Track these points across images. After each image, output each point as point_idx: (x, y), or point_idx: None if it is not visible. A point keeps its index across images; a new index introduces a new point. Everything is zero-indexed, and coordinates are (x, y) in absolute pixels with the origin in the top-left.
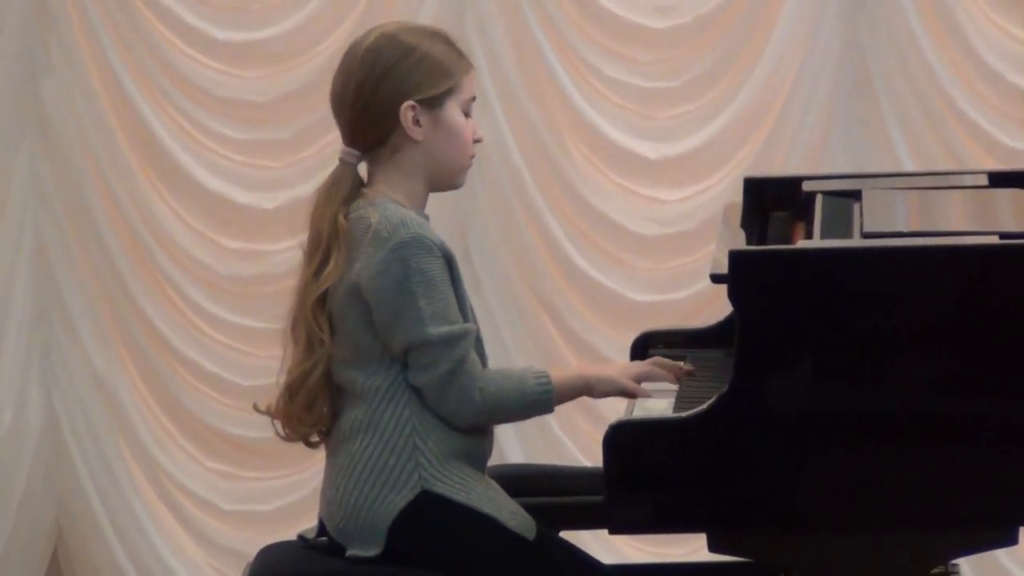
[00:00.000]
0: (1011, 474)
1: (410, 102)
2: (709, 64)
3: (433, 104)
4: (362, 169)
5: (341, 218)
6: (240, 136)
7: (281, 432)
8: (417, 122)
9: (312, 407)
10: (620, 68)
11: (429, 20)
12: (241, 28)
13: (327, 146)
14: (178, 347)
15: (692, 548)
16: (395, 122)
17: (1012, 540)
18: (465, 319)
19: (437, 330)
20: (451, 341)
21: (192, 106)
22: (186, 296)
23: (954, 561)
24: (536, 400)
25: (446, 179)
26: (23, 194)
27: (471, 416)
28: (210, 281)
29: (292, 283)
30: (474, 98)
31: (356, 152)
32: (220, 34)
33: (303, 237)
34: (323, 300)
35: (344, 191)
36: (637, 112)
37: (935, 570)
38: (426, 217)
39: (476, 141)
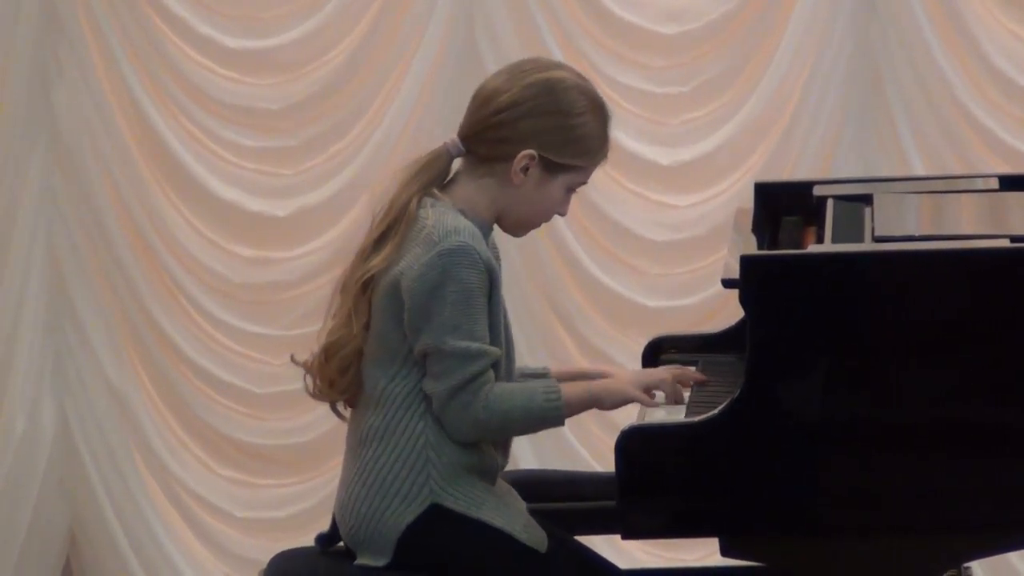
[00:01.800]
0: None
1: (533, 152)
2: (720, 70)
3: (552, 168)
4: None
5: (414, 203)
6: (251, 144)
7: (311, 389)
8: (526, 171)
9: (346, 372)
10: (631, 74)
11: (440, 27)
12: (252, 36)
13: (338, 153)
14: (190, 355)
15: (705, 553)
16: (510, 157)
17: None
18: (495, 340)
19: (456, 343)
20: (466, 357)
21: (203, 114)
22: (198, 304)
23: (967, 564)
24: (545, 416)
25: (509, 225)
26: (35, 203)
27: (470, 432)
28: (222, 289)
29: (305, 291)
30: (586, 183)
31: (462, 148)
32: (231, 42)
33: (317, 242)
34: (366, 285)
35: (431, 175)
36: (648, 118)
37: (948, 574)
38: (490, 232)
39: (559, 215)
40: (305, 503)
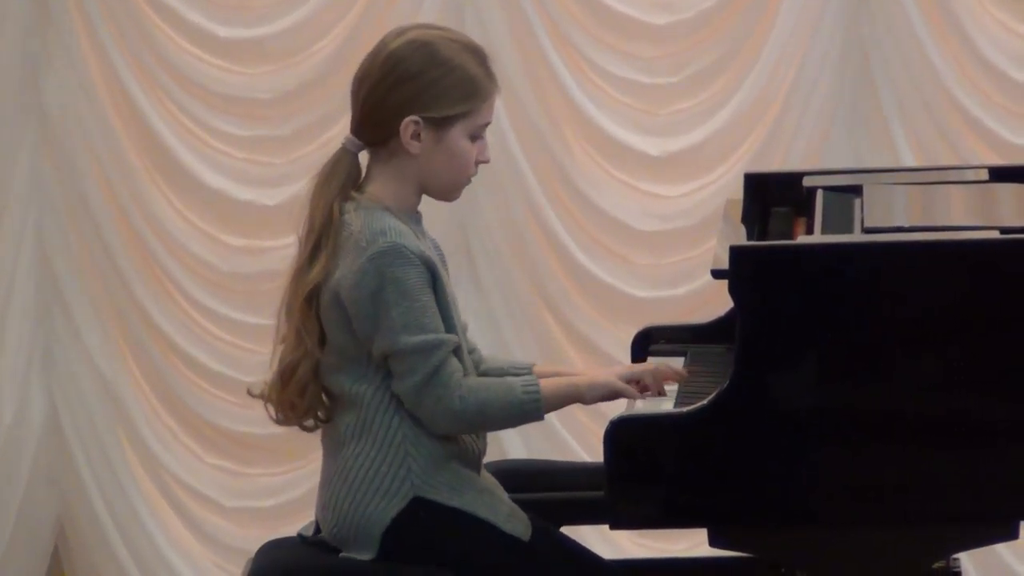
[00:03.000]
0: (1011, 469)
1: (414, 117)
2: (710, 60)
3: (439, 124)
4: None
5: (335, 208)
6: (241, 133)
7: (274, 417)
8: (417, 136)
9: (304, 393)
10: (621, 64)
11: (430, 16)
12: (242, 25)
13: (328, 142)
14: (179, 344)
15: (693, 543)
16: (397, 130)
17: (1013, 535)
18: (449, 329)
19: (410, 339)
20: (425, 350)
21: (193, 103)
22: (187, 293)
23: (955, 556)
24: (524, 409)
25: (436, 193)
26: (25, 192)
27: (449, 424)
28: (211, 278)
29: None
30: (488, 123)
31: (358, 143)
32: (221, 31)
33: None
34: (311, 298)
35: (341, 178)
36: (638, 108)
37: (936, 565)
38: (419, 216)
39: (480, 162)
40: (294, 492)
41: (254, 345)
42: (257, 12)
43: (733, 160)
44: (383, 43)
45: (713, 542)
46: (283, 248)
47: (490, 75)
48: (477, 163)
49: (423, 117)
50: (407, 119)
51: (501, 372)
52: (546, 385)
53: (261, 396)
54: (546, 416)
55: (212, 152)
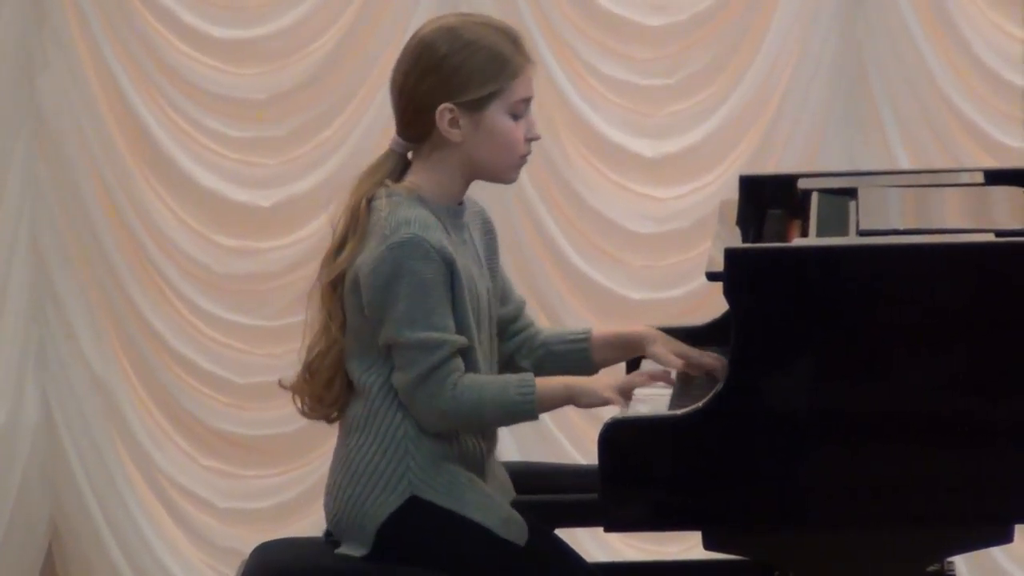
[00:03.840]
0: (1007, 472)
1: (448, 104)
2: (705, 61)
3: (474, 107)
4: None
5: (364, 203)
6: (236, 134)
7: (301, 409)
8: (456, 124)
9: (332, 385)
10: (616, 65)
11: (424, 17)
12: (237, 26)
13: (323, 143)
14: (174, 345)
15: (688, 546)
16: (434, 121)
17: (1008, 538)
18: (462, 329)
19: (414, 334)
20: (427, 347)
21: (188, 103)
22: (182, 294)
23: (950, 559)
24: (517, 409)
25: (489, 177)
26: (19, 191)
27: (438, 422)
28: (206, 279)
29: (289, 280)
30: (529, 99)
31: (403, 143)
32: (216, 32)
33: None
34: (336, 284)
35: (383, 175)
36: (633, 109)
37: (931, 568)
38: (460, 209)
39: (531, 139)
40: (287, 494)
41: (247, 346)
42: (252, 13)
43: (728, 162)
44: (410, 40)
45: (707, 544)
46: (277, 249)
47: (520, 50)
48: (527, 140)
49: (456, 103)
50: (441, 107)
51: (559, 338)
52: (542, 385)
53: (291, 388)
54: (542, 414)
55: (206, 152)
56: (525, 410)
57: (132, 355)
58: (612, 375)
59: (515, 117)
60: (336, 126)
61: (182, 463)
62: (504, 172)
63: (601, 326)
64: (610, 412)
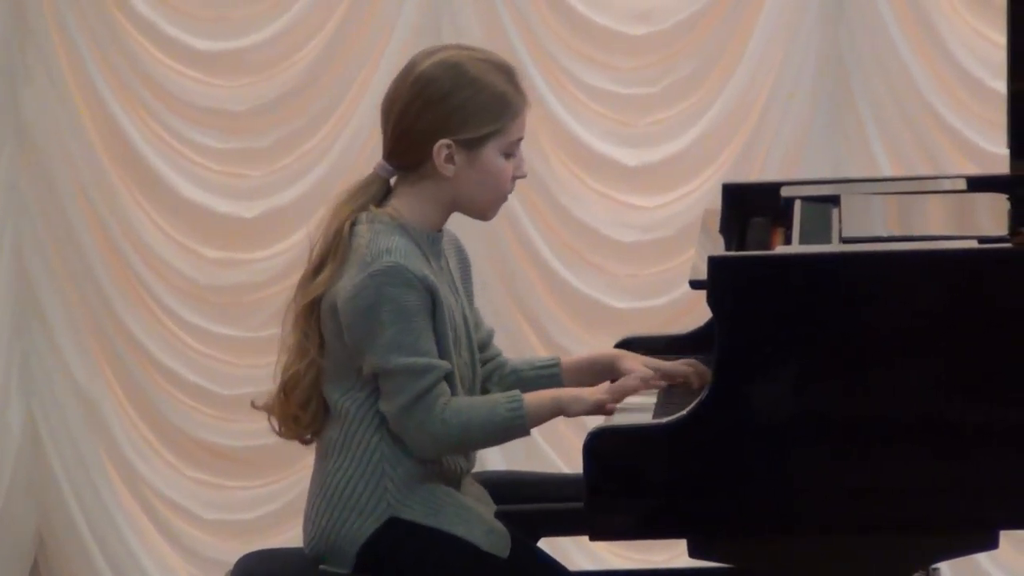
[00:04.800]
0: (991, 478)
1: (446, 141)
2: (688, 70)
3: (471, 145)
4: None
5: (347, 227)
6: (219, 145)
7: (277, 429)
8: (451, 159)
9: (308, 406)
10: (598, 75)
11: (407, 28)
12: (219, 38)
13: (306, 154)
14: (158, 357)
15: (674, 554)
16: (429, 154)
17: (993, 544)
18: (442, 356)
19: (400, 360)
20: (414, 372)
21: (171, 116)
22: (166, 306)
23: (935, 565)
24: (508, 426)
25: (473, 213)
26: (2, 204)
27: (431, 448)
28: (190, 291)
29: (273, 292)
30: (521, 138)
31: (390, 168)
32: (198, 44)
33: (285, 244)
34: (313, 306)
35: (366, 199)
36: (616, 119)
37: (916, 574)
38: (438, 236)
39: (517, 177)
40: (273, 505)
41: (232, 358)
42: (234, 25)
43: (711, 171)
44: (411, 65)
45: (692, 552)
46: (261, 261)
47: (519, 91)
48: (514, 178)
49: (455, 139)
50: (440, 143)
51: (525, 370)
52: (530, 400)
53: (264, 408)
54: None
55: (190, 164)
56: (516, 426)
57: (116, 367)
58: (605, 384)
59: (507, 156)
60: (319, 137)
61: (167, 475)
62: (487, 209)
63: (570, 357)
64: (595, 421)
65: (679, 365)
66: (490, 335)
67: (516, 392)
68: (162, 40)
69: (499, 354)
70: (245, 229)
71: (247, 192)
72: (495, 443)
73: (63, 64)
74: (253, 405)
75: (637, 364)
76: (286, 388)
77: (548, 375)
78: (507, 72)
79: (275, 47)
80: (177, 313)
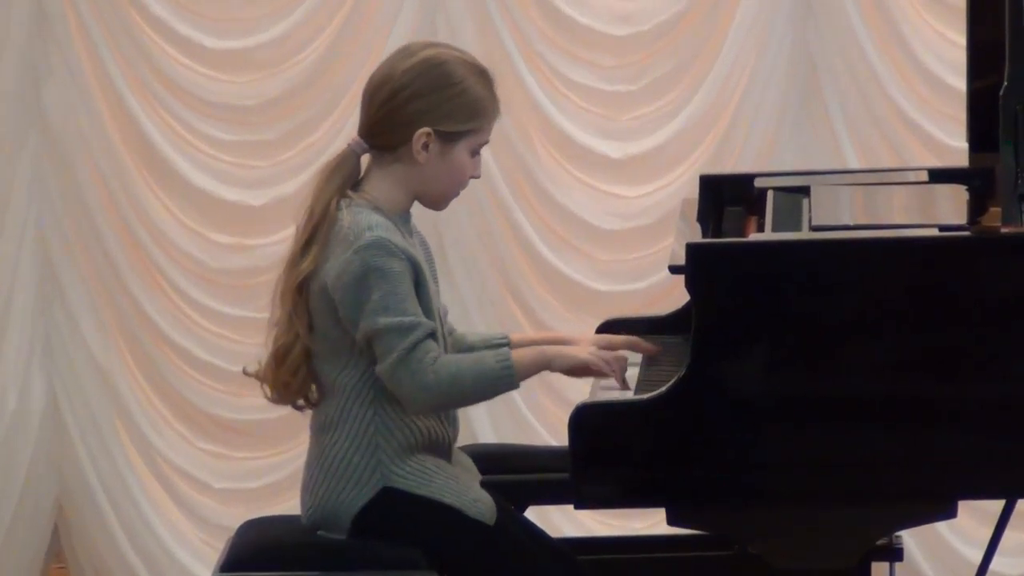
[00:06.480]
0: (950, 451)
1: (427, 129)
2: (667, 69)
3: (448, 139)
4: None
5: (333, 204)
6: (229, 138)
7: (269, 396)
8: (426, 148)
9: (297, 373)
10: (584, 73)
11: (404, 29)
12: (229, 37)
13: (310, 147)
14: (171, 336)
15: (653, 522)
16: (408, 139)
17: (952, 513)
18: (429, 318)
19: (389, 319)
20: (402, 330)
21: (184, 110)
22: (179, 288)
23: (898, 533)
24: (497, 378)
25: (428, 202)
26: (26, 192)
27: (426, 399)
28: (201, 274)
29: (278, 275)
30: (487, 141)
31: (365, 146)
32: (209, 42)
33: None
34: (302, 287)
35: (343, 176)
36: (600, 114)
37: (880, 542)
38: (408, 216)
39: (472, 177)
40: (277, 475)
41: (240, 336)
42: (243, 25)
43: (689, 163)
44: (406, 53)
45: (671, 520)
46: (268, 246)
47: (495, 98)
48: (470, 177)
49: (435, 130)
50: (421, 130)
51: (483, 342)
52: (517, 355)
53: (256, 376)
54: (516, 400)
55: (201, 155)
56: (505, 376)
57: (132, 345)
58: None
59: (472, 155)
60: (322, 131)
61: (179, 446)
62: (442, 200)
63: (520, 334)
64: (580, 396)
65: (639, 344)
66: (445, 311)
67: (504, 348)
68: (176, 39)
69: (454, 329)
70: (253, 216)
71: (255, 181)
72: (485, 396)
73: (83, 61)
74: (244, 372)
75: (583, 349)
76: (276, 356)
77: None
78: (486, 78)
79: (281, 46)
80: (189, 294)
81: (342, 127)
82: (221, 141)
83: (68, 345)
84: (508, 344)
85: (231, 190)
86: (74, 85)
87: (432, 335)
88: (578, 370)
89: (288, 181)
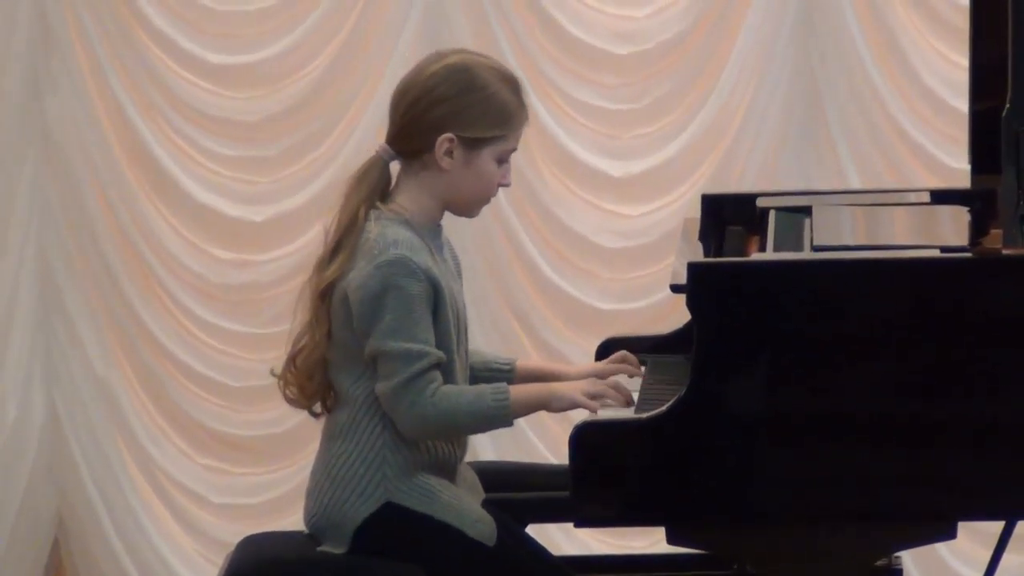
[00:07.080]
0: (950, 472)
1: (450, 135)
2: (670, 88)
3: (472, 145)
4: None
5: (361, 213)
6: (230, 153)
7: (286, 396)
8: (450, 154)
9: (312, 377)
10: (587, 91)
11: (406, 47)
12: (232, 52)
13: (312, 162)
14: (172, 350)
15: (653, 540)
16: (432, 145)
17: (952, 534)
18: (443, 344)
19: (396, 344)
20: (407, 357)
21: (186, 125)
22: (179, 303)
23: (897, 554)
24: (493, 416)
25: (457, 209)
26: (28, 205)
27: (419, 430)
28: (202, 289)
29: (279, 291)
30: (515, 149)
31: (391, 152)
32: (212, 57)
33: (291, 247)
34: (325, 293)
35: (371, 183)
36: (603, 132)
37: (879, 562)
38: (439, 230)
39: (502, 185)
40: (277, 491)
41: (240, 352)
42: (246, 41)
43: (691, 182)
44: (427, 63)
45: (671, 539)
46: (269, 262)
47: (522, 105)
48: (499, 185)
49: (458, 136)
50: (443, 136)
51: (484, 366)
52: (515, 393)
53: (278, 376)
54: (516, 422)
55: (203, 171)
56: (501, 416)
57: (133, 359)
58: (585, 381)
59: (499, 162)
60: (325, 147)
61: (179, 461)
62: (471, 207)
63: (526, 360)
64: (581, 415)
65: (614, 368)
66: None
67: (503, 384)
68: (179, 54)
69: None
70: (254, 232)
71: (256, 197)
72: (479, 431)
73: (86, 75)
74: (272, 372)
75: (578, 387)
76: (294, 359)
77: (501, 379)
78: (513, 84)
79: (283, 63)
80: (190, 309)
81: (343, 145)
82: (223, 156)
83: (69, 359)
84: (512, 372)
85: (232, 205)
86: (76, 99)
87: (438, 365)
88: (573, 408)
89: (289, 197)
